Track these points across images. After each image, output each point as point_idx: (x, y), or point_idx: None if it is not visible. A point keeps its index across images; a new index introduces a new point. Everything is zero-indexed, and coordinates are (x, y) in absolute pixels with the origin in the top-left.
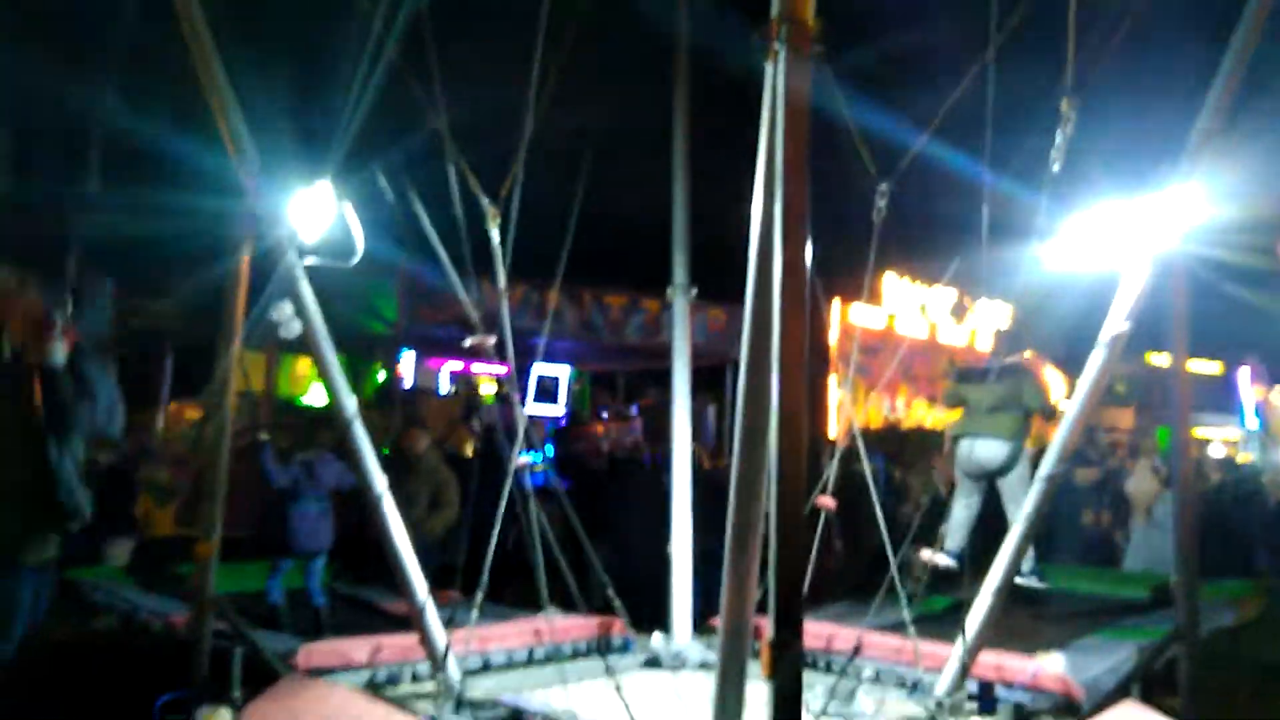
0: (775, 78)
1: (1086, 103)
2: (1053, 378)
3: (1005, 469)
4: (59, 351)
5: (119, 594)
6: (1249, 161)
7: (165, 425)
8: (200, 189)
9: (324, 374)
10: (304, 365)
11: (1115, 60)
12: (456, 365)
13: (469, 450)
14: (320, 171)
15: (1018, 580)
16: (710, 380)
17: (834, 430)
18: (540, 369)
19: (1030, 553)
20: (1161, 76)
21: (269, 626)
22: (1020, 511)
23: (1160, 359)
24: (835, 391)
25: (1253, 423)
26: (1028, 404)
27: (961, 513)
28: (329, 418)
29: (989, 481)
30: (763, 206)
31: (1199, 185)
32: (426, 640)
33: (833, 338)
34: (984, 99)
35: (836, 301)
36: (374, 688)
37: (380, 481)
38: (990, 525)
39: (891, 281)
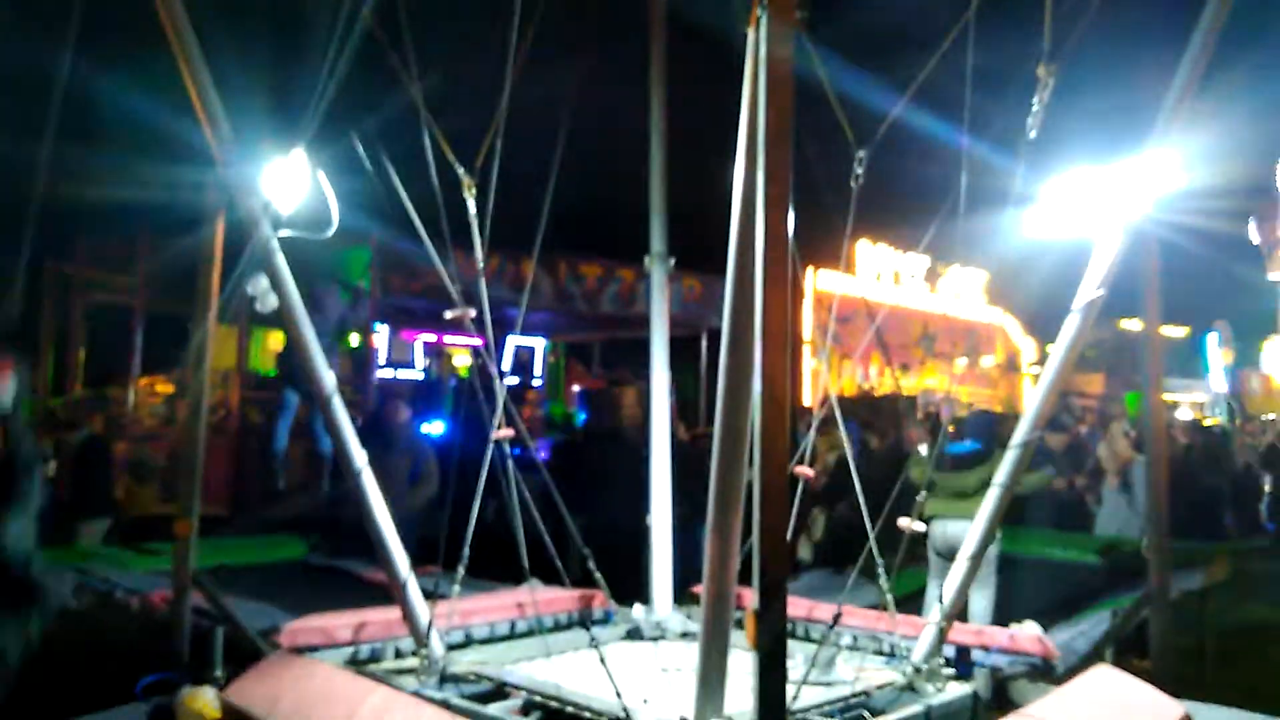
0: (757, 45)
1: (1063, 69)
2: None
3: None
4: (7, 390)
5: (95, 574)
6: (1221, 128)
7: (136, 400)
8: (169, 157)
9: (300, 349)
10: (276, 339)
11: (1092, 26)
12: (430, 337)
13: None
14: (294, 140)
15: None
16: (686, 349)
17: (809, 399)
18: (516, 340)
19: (989, 603)
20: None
21: (269, 478)
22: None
23: (1131, 324)
24: (810, 360)
25: (1220, 385)
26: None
27: (934, 591)
28: None
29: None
30: (744, 176)
31: (1172, 152)
32: (409, 616)
33: (807, 306)
34: (961, 65)
35: (810, 269)
36: (357, 664)
37: (360, 458)
38: None
39: (865, 248)
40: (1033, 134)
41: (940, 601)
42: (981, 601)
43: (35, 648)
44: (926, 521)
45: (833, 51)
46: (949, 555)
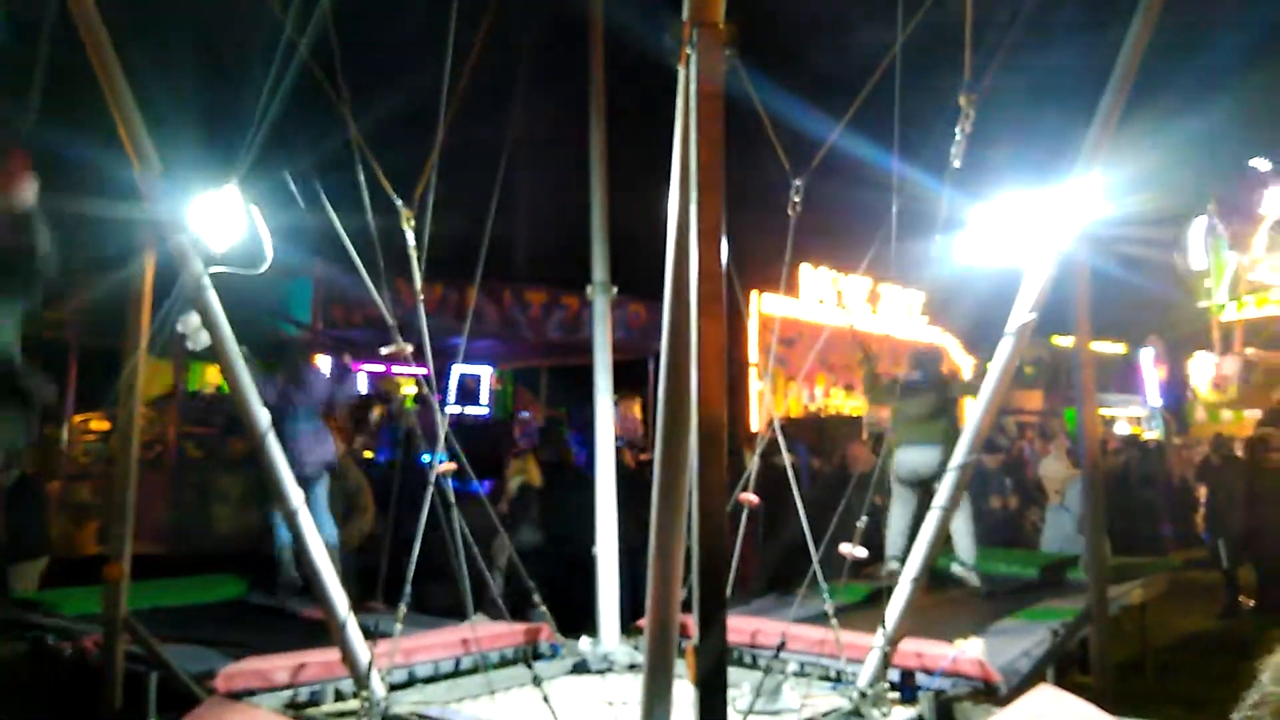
0: (688, 82)
1: (986, 98)
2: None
3: (939, 475)
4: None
5: (25, 619)
6: (1147, 157)
7: (70, 437)
8: (99, 193)
9: (233, 387)
10: (213, 372)
11: (1016, 56)
12: (376, 368)
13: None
14: (227, 176)
15: (954, 569)
16: (633, 373)
17: (755, 423)
18: (461, 369)
19: (971, 548)
20: (1062, 72)
21: (273, 571)
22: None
23: (1065, 341)
24: (755, 383)
25: (1155, 400)
26: (955, 396)
27: (899, 521)
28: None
29: (924, 488)
30: (678, 211)
31: (1096, 179)
32: (349, 657)
33: (752, 329)
34: (892, 96)
35: (753, 293)
36: (296, 708)
37: (296, 497)
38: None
39: (807, 272)
40: (956, 163)
41: (903, 536)
42: (962, 526)
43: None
44: (890, 448)
45: (770, 82)
46: (912, 482)
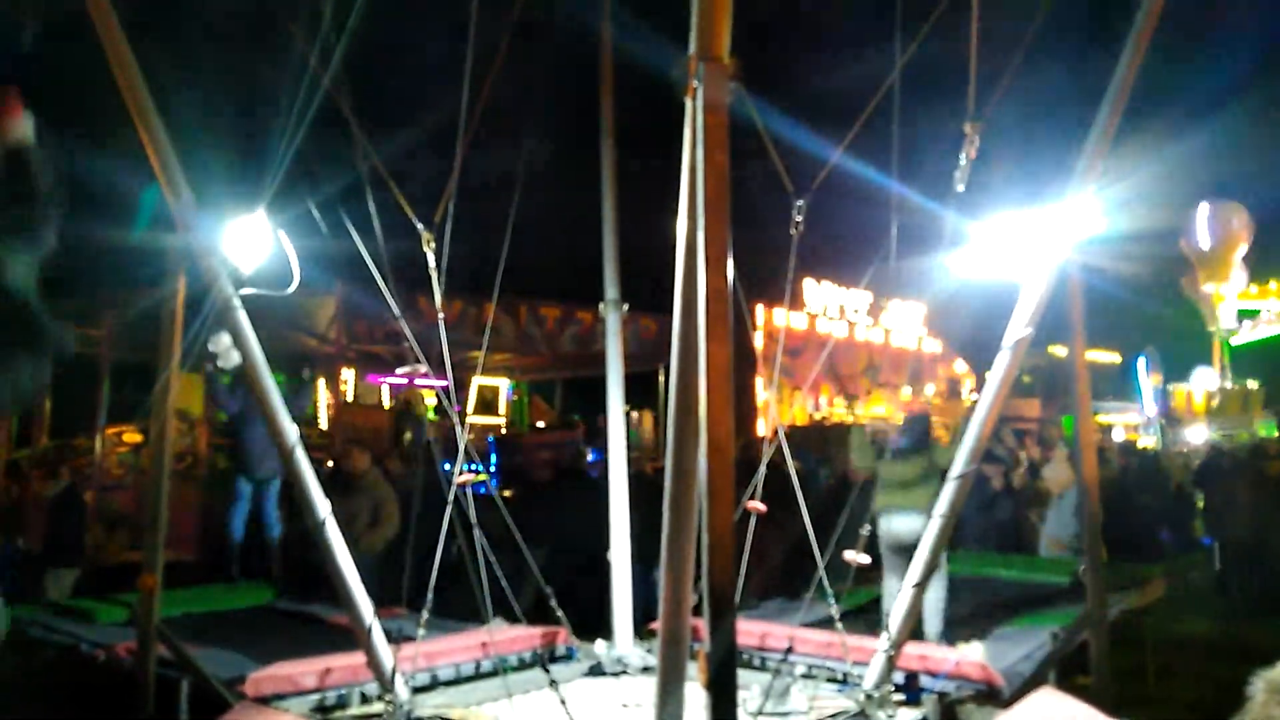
0: (695, 114)
1: (988, 125)
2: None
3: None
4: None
5: (59, 628)
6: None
7: (103, 450)
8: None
9: (263, 403)
10: None
11: (1017, 82)
12: (400, 380)
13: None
14: (256, 201)
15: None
16: (647, 383)
17: (764, 429)
18: (480, 381)
19: (939, 626)
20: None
21: (226, 565)
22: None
23: (1062, 351)
24: (762, 393)
25: (1152, 408)
26: (941, 465)
27: (891, 597)
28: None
29: (909, 556)
30: (686, 239)
31: (1093, 199)
32: (374, 661)
33: (758, 341)
34: (893, 118)
35: (760, 307)
36: (324, 711)
37: (323, 508)
38: None
39: (811, 286)
40: (960, 187)
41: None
42: (934, 603)
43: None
44: (877, 516)
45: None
46: (897, 549)
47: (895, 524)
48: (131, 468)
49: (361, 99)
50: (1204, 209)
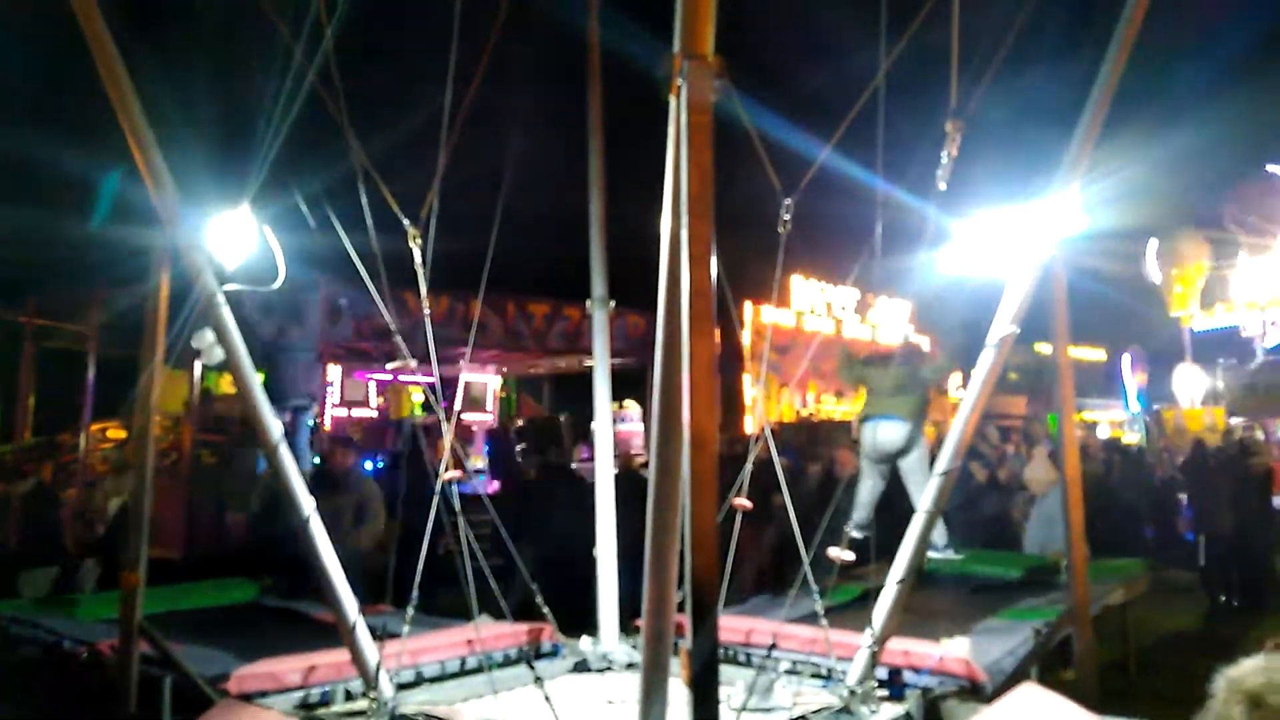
0: (679, 112)
1: (973, 122)
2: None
3: (906, 450)
4: None
5: (40, 624)
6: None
7: (87, 445)
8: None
9: (247, 399)
10: (228, 381)
11: (999, 79)
12: (385, 376)
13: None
14: (240, 196)
15: (933, 555)
16: (635, 378)
17: (750, 426)
18: (467, 377)
19: (942, 528)
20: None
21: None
22: (921, 498)
23: (1047, 349)
24: (750, 390)
25: (1135, 406)
26: (925, 378)
27: (866, 494)
28: None
29: (891, 463)
30: (670, 238)
31: (1077, 196)
32: (358, 658)
33: (746, 339)
34: (879, 116)
35: (748, 304)
36: (307, 708)
37: (307, 505)
38: (897, 515)
39: (799, 283)
40: (942, 185)
41: (870, 523)
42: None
43: None
44: (859, 424)
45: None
46: (878, 458)
47: (880, 432)
48: (115, 463)
49: (348, 93)
50: (1153, 244)
